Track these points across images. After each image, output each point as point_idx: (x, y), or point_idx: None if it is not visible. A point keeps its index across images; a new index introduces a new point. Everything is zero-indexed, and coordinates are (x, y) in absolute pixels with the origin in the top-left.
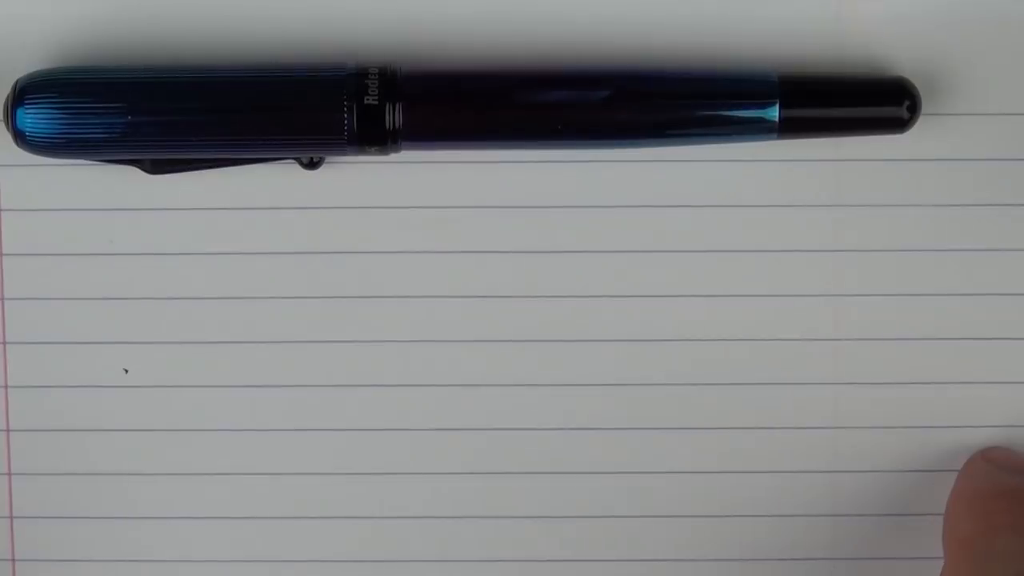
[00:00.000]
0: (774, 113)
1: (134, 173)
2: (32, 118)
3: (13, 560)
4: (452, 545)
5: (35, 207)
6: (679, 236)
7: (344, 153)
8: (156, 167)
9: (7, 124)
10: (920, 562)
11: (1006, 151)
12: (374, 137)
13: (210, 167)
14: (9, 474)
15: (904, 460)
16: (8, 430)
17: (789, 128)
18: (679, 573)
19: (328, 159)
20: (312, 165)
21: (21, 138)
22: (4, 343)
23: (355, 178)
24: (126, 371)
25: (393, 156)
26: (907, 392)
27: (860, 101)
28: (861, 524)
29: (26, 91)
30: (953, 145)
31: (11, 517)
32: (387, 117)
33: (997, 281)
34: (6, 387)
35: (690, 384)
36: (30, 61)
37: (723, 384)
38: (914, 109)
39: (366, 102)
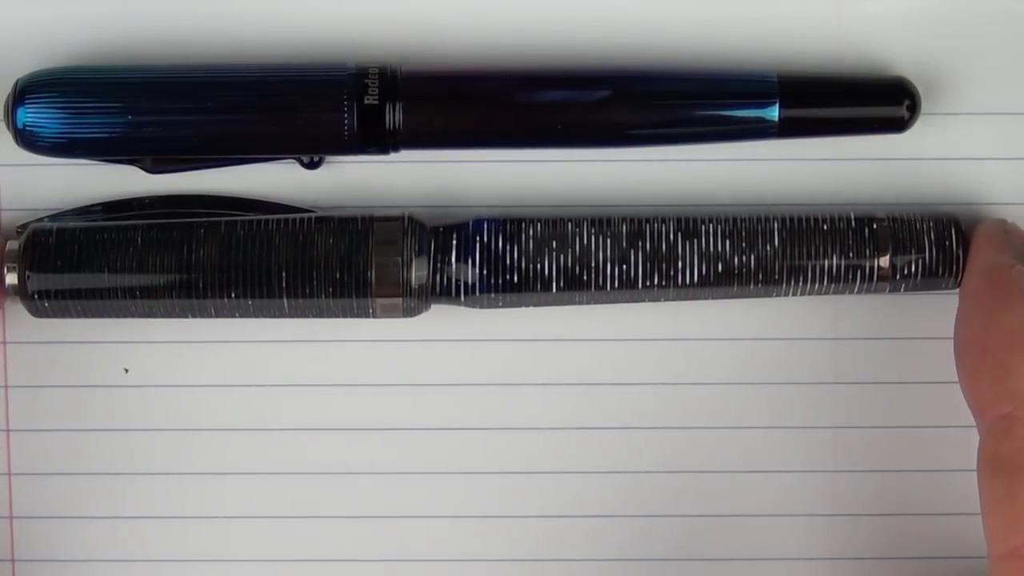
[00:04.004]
0: (774, 113)
1: (134, 173)
2: (33, 118)
3: (13, 560)
4: (454, 545)
5: (35, 207)
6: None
7: (344, 153)
8: (156, 166)
9: (8, 123)
10: (921, 562)
11: (1006, 151)
12: (374, 137)
13: (210, 167)
14: (9, 474)
15: (904, 460)
16: (8, 430)
17: (789, 128)
18: (679, 573)
19: (328, 159)
20: (312, 165)
21: (21, 137)
22: (4, 343)
23: (355, 178)
24: (126, 371)
25: (393, 156)
26: (907, 392)
27: (860, 101)
28: (861, 523)
29: (27, 91)
30: (953, 145)
31: (11, 517)
32: (387, 117)
33: None
34: (6, 387)
35: (690, 384)
36: (30, 61)
37: (723, 384)
38: (914, 109)
39: (366, 102)
